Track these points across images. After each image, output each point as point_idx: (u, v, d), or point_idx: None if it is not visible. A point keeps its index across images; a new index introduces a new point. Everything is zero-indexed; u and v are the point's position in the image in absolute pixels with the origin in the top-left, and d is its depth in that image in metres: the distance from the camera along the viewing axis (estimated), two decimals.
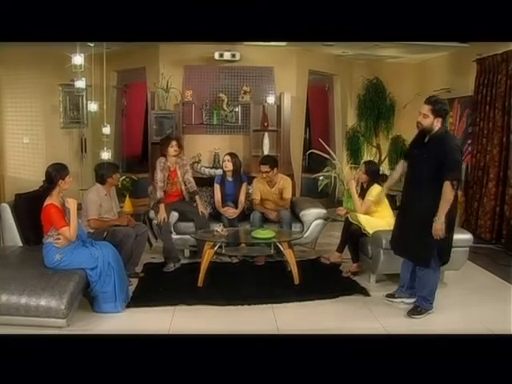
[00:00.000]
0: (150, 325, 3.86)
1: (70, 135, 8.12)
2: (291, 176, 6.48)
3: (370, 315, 4.08)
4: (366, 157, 8.48)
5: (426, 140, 3.86)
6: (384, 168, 8.35)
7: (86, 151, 8.14)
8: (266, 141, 7.39)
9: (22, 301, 3.58)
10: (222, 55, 7.04)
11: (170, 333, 3.68)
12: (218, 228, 4.93)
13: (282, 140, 7.27)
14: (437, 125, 3.79)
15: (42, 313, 3.59)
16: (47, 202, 3.91)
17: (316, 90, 8.65)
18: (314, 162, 8.58)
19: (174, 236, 5.42)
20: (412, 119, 8.03)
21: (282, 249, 4.73)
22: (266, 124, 7.36)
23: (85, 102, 7.88)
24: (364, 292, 4.55)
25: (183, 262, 5.40)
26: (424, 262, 3.92)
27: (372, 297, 4.47)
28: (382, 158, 8.42)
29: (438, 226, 3.72)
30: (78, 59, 5.05)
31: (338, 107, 8.76)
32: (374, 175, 5.14)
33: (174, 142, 5.47)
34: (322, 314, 4.13)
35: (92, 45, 5.18)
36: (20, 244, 4.45)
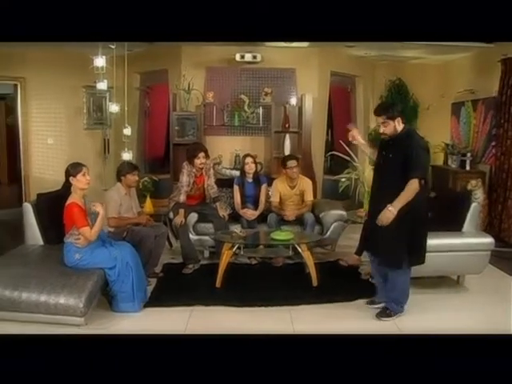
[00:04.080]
0: (167, 325, 3.88)
1: (94, 136, 8.22)
2: (312, 178, 6.45)
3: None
4: None
5: (391, 142, 3.82)
6: None
7: (108, 152, 8.23)
8: (287, 142, 7.36)
9: (42, 299, 3.64)
10: (243, 57, 7.05)
11: (186, 333, 3.70)
12: (236, 229, 4.94)
13: (303, 141, 7.25)
14: (399, 125, 3.77)
15: (61, 311, 3.65)
16: (69, 200, 3.97)
17: (338, 92, 8.59)
18: (336, 164, 8.51)
19: (193, 237, 5.45)
20: (435, 121, 8.07)
21: (300, 250, 4.72)
22: (287, 125, 7.34)
23: (108, 103, 7.97)
24: None
25: (202, 262, 5.42)
26: (396, 263, 3.84)
27: None
28: None
29: (387, 214, 3.63)
30: (100, 61, 5.12)
31: (361, 108, 8.70)
32: None
33: (201, 154, 5.37)
34: (339, 316, 4.10)
35: (113, 46, 5.25)
36: (41, 243, 4.51)
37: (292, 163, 5.61)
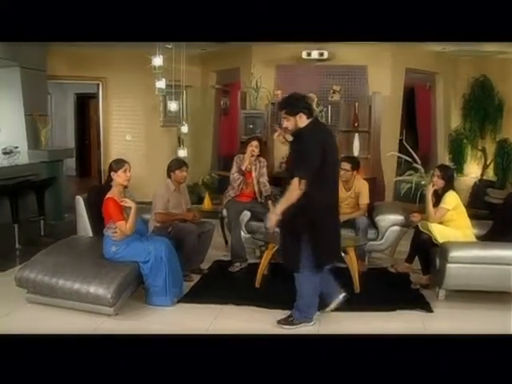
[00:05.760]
0: (192, 322, 3.91)
1: (169, 133, 8.50)
2: (374, 179, 6.20)
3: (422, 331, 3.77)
4: (471, 161, 7.89)
5: (292, 139, 3.60)
6: (489, 173, 7.69)
7: None
8: (356, 142, 7.13)
9: (75, 286, 3.84)
10: (309, 54, 6.96)
11: (209, 332, 3.69)
12: (277, 229, 4.83)
13: (372, 141, 7.00)
14: (301, 121, 3.49)
15: (92, 300, 3.83)
16: (108, 195, 4.12)
17: (416, 90, 8.19)
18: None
19: (245, 235, 5.44)
20: None
21: (342, 254, 4.54)
22: (356, 124, 7.12)
23: (184, 101, 8.19)
24: (426, 308, 4.19)
25: (252, 261, 5.35)
26: (293, 267, 3.65)
27: (434, 313, 4.11)
28: (488, 162, 7.76)
29: (271, 215, 3.66)
30: (157, 60, 5.27)
31: (441, 108, 8.21)
32: (451, 181, 4.70)
33: (254, 143, 5.41)
34: (369, 326, 3.89)
35: (170, 46, 5.37)
36: (91, 234, 4.72)
37: (345, 165, 5.35)
